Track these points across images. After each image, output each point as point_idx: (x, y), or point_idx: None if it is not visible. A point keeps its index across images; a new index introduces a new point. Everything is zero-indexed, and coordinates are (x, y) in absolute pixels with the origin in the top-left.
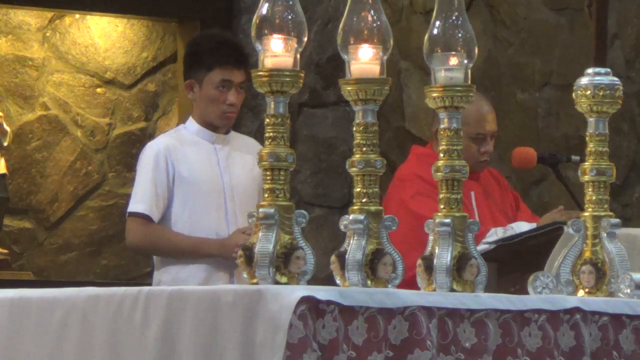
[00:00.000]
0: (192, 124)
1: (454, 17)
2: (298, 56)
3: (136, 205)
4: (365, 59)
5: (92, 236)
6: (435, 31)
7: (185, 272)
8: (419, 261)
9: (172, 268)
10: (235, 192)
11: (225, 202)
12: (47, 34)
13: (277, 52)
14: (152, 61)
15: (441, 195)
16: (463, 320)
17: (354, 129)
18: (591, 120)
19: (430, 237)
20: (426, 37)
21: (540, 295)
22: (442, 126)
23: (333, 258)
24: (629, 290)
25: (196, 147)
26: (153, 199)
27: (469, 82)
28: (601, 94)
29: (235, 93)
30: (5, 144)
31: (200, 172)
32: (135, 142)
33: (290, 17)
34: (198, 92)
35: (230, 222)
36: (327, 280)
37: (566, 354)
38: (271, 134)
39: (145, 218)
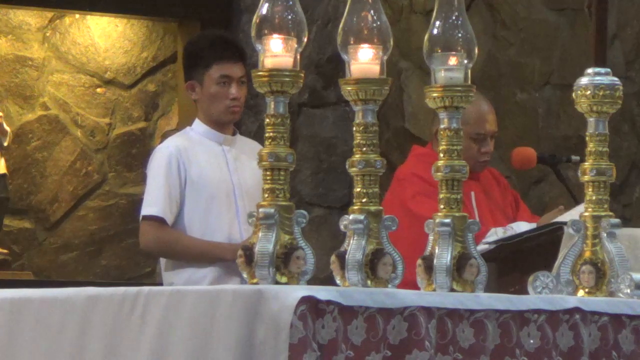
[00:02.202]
0: (198, 125)
1: (454, 17)
2: (298, 56)
3: (150, 208)
4: (365, 59)
5: (92, 236)
6: (435, 31)
7: (198, 275)
8: (419, 261)
9: (184, 270)
10: (245, 192)
11: (236, 203)
12: (47, 34)
13: (277, 52)
14: (152, 61)
15: (441, 195)
16: (462, 320)
17: (354, 129)
18: (591, 120)
19: (430, 237)
20: (426, 37)
21: (540, 296)
22: (442, 126)
23: (333, 258)
24: (629, 290)
25: (205, 148)
26: (166, 201)
27: (469, 82)
28: (601, 94)
29: (236, 87)
30: (5, 144)
31: (211, 174)
32: (135, 142)
33: (290, 17)
34: (200, 91)
35: (242, 223)
36: (327, 280)
37: (565, 354)
38: (271, 134)
39: (159, 221)
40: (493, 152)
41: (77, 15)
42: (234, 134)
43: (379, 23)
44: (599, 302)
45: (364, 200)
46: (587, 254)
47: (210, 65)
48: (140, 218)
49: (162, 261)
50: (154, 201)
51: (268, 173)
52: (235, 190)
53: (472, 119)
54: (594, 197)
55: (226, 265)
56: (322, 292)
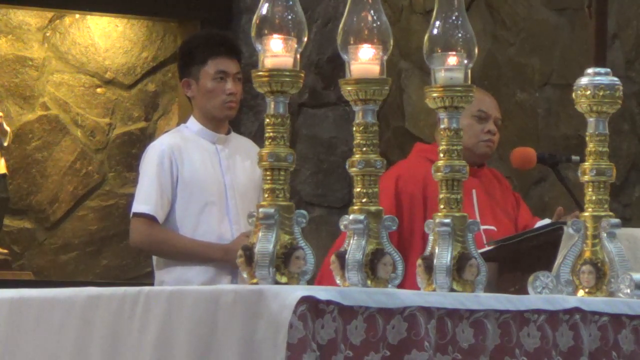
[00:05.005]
0: (193, 123)
1: (454, 17)
2: (298, 56)
3: (141, 206)
4: (365, 59)
5: (92, 236)
6: (435, 31)
7: (189, 273)
8: (419, 261)
9: (175, 269)
10: (237, 192)
11: (227, 203)
12: (47, 34)
13: (277, 52)
14: (152, 61)
15: (441, 195)
16: (462, 320)
17: (354, 129)
18: (591, 120)
19: (430, 237)
20: (426, 37)
21: (540, 296)
22: (442, 126)
23: (333, 258)
24: (629, 290)
25: (198, 147)
26: (158, 199)
27: (469, 82)
28: (601, 94)
29: (232, 82)
30: (5, 144)
31: (203, 173)
32: (135, 142)
33: (290, 17)
34: (196, 88)
35: (233, 222)
36: None
37: (564, 354)
38: (271, 134)
39: (150, 219)
40: (493, 152)
41: (77, 15)
42: (228, 133)
43: (379, 23)
44: (599, 302)
45: (364, 200)
46: (587, 254)
47: (206, 61)
48: (131, 215)
49: (154, 259)
50: (146, 199)
51: (268, 173)
52: (226, 190)
53: (474, 99)
54: (594, 197)
55: (217, 265)
56: (322, 292)
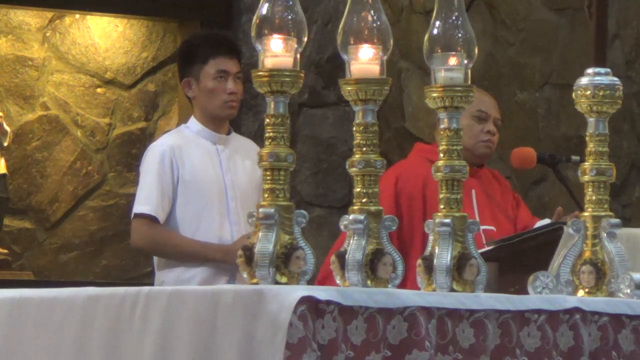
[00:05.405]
0: (194, 123)
1: (454, 17)
2: (298, 56)
3: (142, 206)
4: (365, 59)
5: (92, 236)
6: (435, 31)
7: (187, 274)
8: (419, 261)
9: (175, 269)
10: (237, 192)
11: (228, 203)
12: (47, 34)
13: (277, 52)
14: (152, 61)
15: (441, 196)
16: (462, 320)
17: (354, 129)
18: (591, 120)
19: (430, 237)
20: (426, 37)
21: (540, 296)
22: (442, 126)
23: (333, 258)
24: (629, 290)
25: (199, 147)
26: (159, 199)
27: (469, 82)
28: (601, 94)
29: (233, 82)
30: (6, 144)
31: (203, 173)
32: (135, 142)
33: (290, 17)
34: (196, 88)
35: (233, 223)
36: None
37: (564, 354)
38: (271, 134)
39: (150, 219)
40: (493, 152)
41: (77, 15)
42: (228, 133)
43: (379, 23)
44: (599, 302)
45: (364, 200)
46: (587, 254)
47: (206, 61)
48: (132, 215)
49: (156, 260)
50: (147, 199)
51: (268, 173)
52: (227, 191)
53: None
54: (594, 197)
55: (215, 265)
56: (321, 292)
